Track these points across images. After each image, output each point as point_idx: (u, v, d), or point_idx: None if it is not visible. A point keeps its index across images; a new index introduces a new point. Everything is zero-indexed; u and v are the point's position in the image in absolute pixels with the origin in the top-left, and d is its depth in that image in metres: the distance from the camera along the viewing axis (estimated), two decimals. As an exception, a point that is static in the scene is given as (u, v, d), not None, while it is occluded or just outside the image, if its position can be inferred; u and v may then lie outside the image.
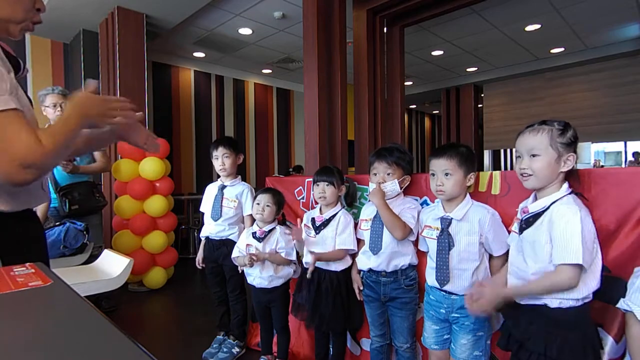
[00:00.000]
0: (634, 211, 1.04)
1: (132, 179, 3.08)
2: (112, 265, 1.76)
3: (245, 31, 4.41)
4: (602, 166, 6.39)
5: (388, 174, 1.40)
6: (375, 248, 1.42)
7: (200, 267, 2.04)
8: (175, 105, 5.35)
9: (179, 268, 3.52)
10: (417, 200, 1.53)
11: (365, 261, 1.47)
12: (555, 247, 0.95)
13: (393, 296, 1.41)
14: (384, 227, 1.39)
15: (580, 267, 0.92)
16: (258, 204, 1.73)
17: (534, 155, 1.01)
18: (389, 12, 3.04)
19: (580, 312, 0.98)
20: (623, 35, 5.11)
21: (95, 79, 0.89)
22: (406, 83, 6.73)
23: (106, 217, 3.39)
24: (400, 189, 1.42)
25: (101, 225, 2.75)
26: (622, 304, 0.95)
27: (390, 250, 1.39)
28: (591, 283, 0.96)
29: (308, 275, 1.57)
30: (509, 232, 1.16)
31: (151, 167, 3.08)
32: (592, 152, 6.84)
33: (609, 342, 1.05)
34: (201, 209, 2.09)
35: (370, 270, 1.46)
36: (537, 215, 1.01)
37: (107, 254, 1.90)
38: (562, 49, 5.64)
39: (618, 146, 6.99)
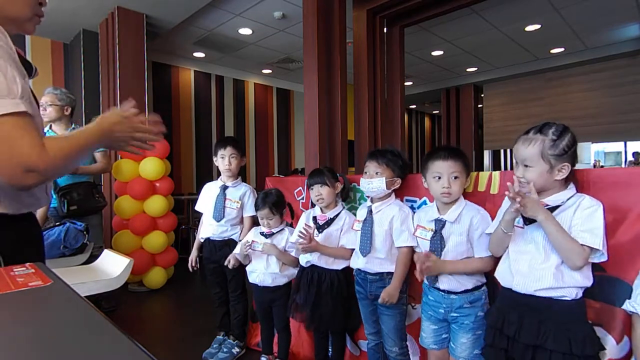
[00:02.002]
0: (631, 211, 1.04)
1: (132, 179, 3.08)
2: (112, 265, 1.76)
3: (245, 31, 4.41)
4: (602, 166, 6.39)
5: (377, 173, 1.42)
6: (364, 250, 1.44)
7: (193, 269, 1.98)
8: (175, 105, 5.35)
9: (179, 268, 3.52)
10: (415, 201, 1.53)
11: (356, 260, 1.50)
12: (580, 230, 0.96)
13: (379, 294, 1.43)
14: (373, 231, 1.42)
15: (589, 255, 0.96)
16: (261, 219, 1.73)
17: (526, 166, 1.03)
18: (389, 12, 3.04)
19: (584, 304, 1.01)
20: (623, 35, 5.11)
21: (133, 101, 0.88)
22: (406, 83, 6.73)
23: (106, 217, 3.39)
24: (388, 189, 1.43)
25: (101, 226, 2.75)
26: (627, 305, 0.95)
27: (377, 256, 1.42)
28: (589, 275, 1.00)
29: (302, 260, 1.57)
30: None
31: (151, 167, 3.08)
32: (592, 152, 6.85)
33: (609, 341, 1.05)
34: (198, 209, 2.07)
35: (358, 269, 1.50)
36: (553, 208, 1.02)
37: (107, 254, 1.90)
38: (562, 49, 5.64)
39: (618, 146, 7.00)
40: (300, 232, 1.51)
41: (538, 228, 1.03)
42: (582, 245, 0.95)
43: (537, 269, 1.01)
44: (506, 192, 1.00)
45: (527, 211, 0.99)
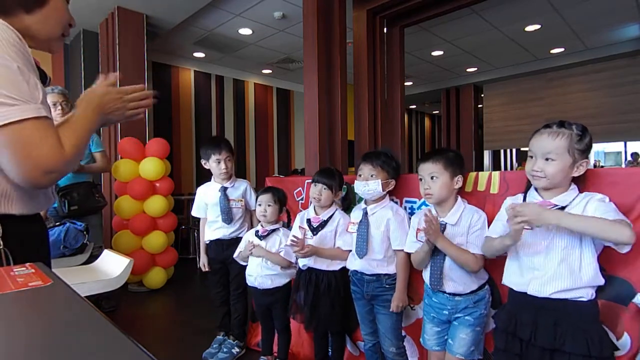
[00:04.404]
0: (630, 212, 1.04)
1: (132, 179, 3.08)
2: (112, 266, 1.76)
3: (245, 31, 4.41)
4: (602, 166, 6.40)
5: (372, 176, 1.43)
6: (361, 252, 1.44)
7: (206, 270, 2.01)
8: (175, 105, 5.36)
9: (179, 268, 3.52)
10: (415, 202, 1.53)
11: (353, 262, 1.50)
12: (605, 210, 0.93)
13: (375, 294, 1.44)
14: (369, 233, 1.43)
15: None
16: (260, 205, 1.73)
17: (548, 159, 1.00)
18: (389, 13, 3.04)
19: (598, 305, 1.01)
20: (623, 35, 5.11)
21: (115, 72, 0.89)
22: (406, 83, 6.73)
23: (106, 217, 3.39)
24: (383, 190, 1.44)
25: (101, 226, 2.75)
26: (638, 298, 0.96)
27: (375, 257, 1.43)
28: (600, 274, 1.00)
29: (300, 263, 1.57)
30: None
31: (151, 167, 3.08)
32: (592, 152, 6.84)
33: (611, 338, 1.06)
34: (196, 214, 2.04)
35: (355, 270, 1.50)
36: (561, 208, 1.00)
37: (107, 254, 1.90)
38: (562, 49, 5.64)
39: (618, 146, 7.00)
40: (292, 240, 1.51)
41: (549, 228, 1.01)
42: (618, 221, 0.92)
43: (553, 271, 0.99)
44: (509, 209, 0.97)
45: (537, 222, 0.96)
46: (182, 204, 4.78)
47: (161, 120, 5.14)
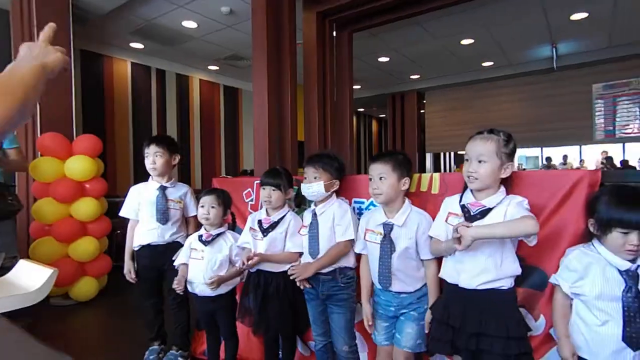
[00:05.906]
0: (545, 208, 1.21)
1: (56, 180, 2.74)
2: (30, 278, 1.54)
3: (190, 24, 4.19)
4: (524, 169, 7.25)
5: (315, 178, 1.45)
6: (314, 253, 1.45)
7: (133, 281, 1.84)
8: (109, 99, 4.89)
9: (113, 276, 3.20)
10: (363, 202, 1.58)
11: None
12: (518, 212, 1.07)
13: (330, 294, 1.45)
14: (319, 233, 1.44)
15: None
16: (202, 206, 1.63)
17: (481, 161, 1.12)
18: (339, 17, 3.11)
19: (515, 293, 1.15)
20: (539, 54, 5.83)
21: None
22: (355, 87, 6.94)
23: (22, 223, 2.96)
24: (327, 191, 1.46)
25: (15, 233, 2.40)
26: (552, 279, 1.11)
27: None
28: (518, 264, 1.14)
29: (251, 268, 1.54)
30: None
31: (79, 166, 2.78)
32: (516, 156, 7.76)
33: (530, 320, 1.21)
34: (125, 214, 1.88)
35: None
36: (489, 209, 1.13)
37: (23, 265, 1.66)
38: (492, 63, 6.27)
39: (536, 151, 8.04)
40: (242, 260, 1.49)
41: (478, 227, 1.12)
42: (526, 216, 1.06)
43: (481, 265, 1.11)
44: (454, 235, 1.06)
45: (466, 242, 1.04)
46: (117, 206, 4.37)
47: (91, 114, 4.65)
